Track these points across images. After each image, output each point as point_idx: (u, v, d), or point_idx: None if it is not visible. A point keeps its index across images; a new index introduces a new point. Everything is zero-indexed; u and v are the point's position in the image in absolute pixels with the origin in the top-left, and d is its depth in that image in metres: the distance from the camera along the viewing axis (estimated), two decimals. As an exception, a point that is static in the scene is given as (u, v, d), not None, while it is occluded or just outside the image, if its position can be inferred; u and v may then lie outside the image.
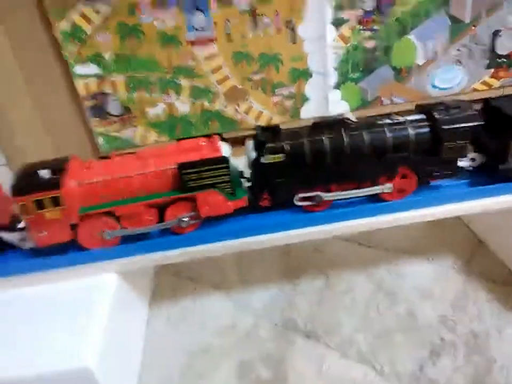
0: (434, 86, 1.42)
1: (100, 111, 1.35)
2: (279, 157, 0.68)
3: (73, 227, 0.67)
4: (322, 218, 0.72)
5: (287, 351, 0.72)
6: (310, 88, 1.39)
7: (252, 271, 0.89)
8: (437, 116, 0.70)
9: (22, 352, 0.58)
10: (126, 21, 1.24)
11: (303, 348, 0.72)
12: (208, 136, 0.72)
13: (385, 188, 0.72)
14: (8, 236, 0.72)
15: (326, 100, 1.40)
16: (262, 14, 1.27)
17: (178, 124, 1.41)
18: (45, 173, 0.65)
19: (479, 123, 0.70)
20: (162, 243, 0.70)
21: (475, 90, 1.43)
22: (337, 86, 1.39)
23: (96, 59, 1.28)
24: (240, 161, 0.72)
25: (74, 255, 0.69)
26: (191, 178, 0.66)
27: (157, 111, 1.38)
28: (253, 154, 0.69)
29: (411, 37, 1.34)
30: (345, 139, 0.69)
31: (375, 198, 0.74)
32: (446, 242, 0.89)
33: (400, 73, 1.39)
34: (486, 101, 0.78)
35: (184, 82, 1.35)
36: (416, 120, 0.72)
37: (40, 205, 0.64)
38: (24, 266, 0.68)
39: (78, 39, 1.24)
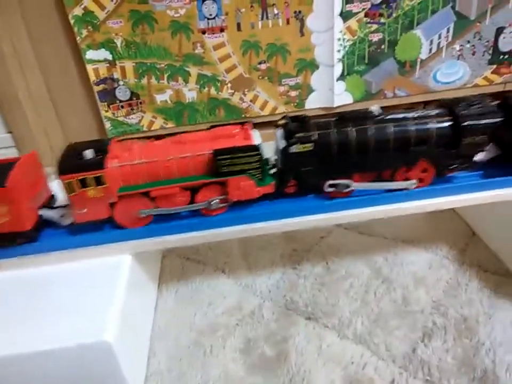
0: (436, 80, 1.45)
1: (108, 95, 1.38)
2: (308, 147, 0.72)
3: (111, 205, 0.71)
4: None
5: (289, 331, 0.76)
6: (315, 79, 1.42)
7: (257, 255, 0.93)
8: (458, 111, 0.73)
9: (43, 326, 0.61)
10: (139, 8, 1.26)
11: (304, 329, 0.76)
12: (241, 124, 0.75)
13: (409, 184, 0.75)
14: (49, 214, 0.75)
15: (332, 91, 1.43)
16: (272, 5, 1.29)
17: (185, 110, 1.44)
18: (89, 153, 0.68)
19: (499, 119, 0.72)
20: (175, 226, 0.74)
21: (476, 85, 1.46)
22: (342, 78, 1.42)
23: (108, 45, 1.30)
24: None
25: (94, 236, 0.73)
26: (225, 164, 0.70)
27: (164, 97, 1.41)
28: (283, 143, 0.72)
29: (417, 31, 1.36)
30: (370, 131, 0.72)
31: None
32: (442, 233, 0.93)
33: (404, 67, 1.42)
34: (505, 98, 0.79)
35: (192, 70, 1.37)
36: (438, 115, 0.75)
37: (84, 183, 0.68)
38: (48, 245, 0.72)
39: (90, 24, 1.26)
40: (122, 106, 1.40)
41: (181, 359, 0.73)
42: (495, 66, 1.42)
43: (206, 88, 1.41)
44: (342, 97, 1.45)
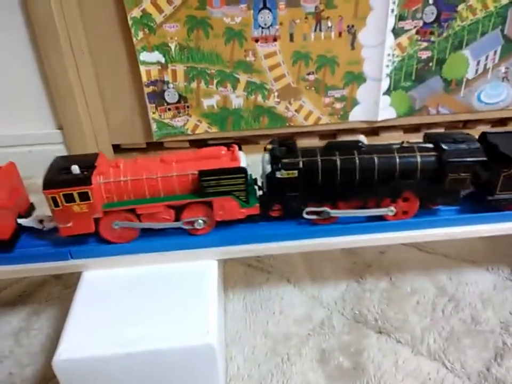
0: (480, 100, 1.47)
1: (157, 97, 1.39)
2: (293, 173, 0.72)
3: (97, 220, 0.71)
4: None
5: (362, 343, 0.78)
6: (361, 92, 1.44)
7: (319, 267, 0.95)
8: (444, 147, 0.74)
9: (145, 326, 0.62)
10: (196, 13, 1.28)
11: (377, 342, 0.78)
12: (228, 145, 0.76)
13: (389, 210, 0.75)
14: (27, 222, 0.76)
15: (376, 105, 1.45)
16: (327, 18, 1.32)
17: (230, 116, 1.46)
18: (75, 169, 0.69)
19: (482, 158, 0.73)
20: (264, 236, 0.75)
21: (518, 107, 1.49)
22: (387, 93, 1.44)
23: (162, 48, 1.32)
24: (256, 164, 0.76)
25: (185, 240, 0.74)
26: (210, 184, 0.71)
27: (211, 102, 1.43)
28: (268, 168, 0.73)
29: (465, 51, 1.39)
30: (356, 161, 0.73)
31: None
32: (502, 255, 0.95)
33: (450, 85, 1.44)
34: (483, 135, 0.81)
35: (242, 76, 1.39)
36: (424, 149, 0.75)
37: (69, 198, 0.68)
38: (138, 247, 0.74)
39: (147, 27, 1.28)
40: (169, 109, 1.42)
41: (260, 365, 0.75)
42: (538, 90, 1.45)
43: (253, 96, 1.42)
44: (386, 111, 1.47)
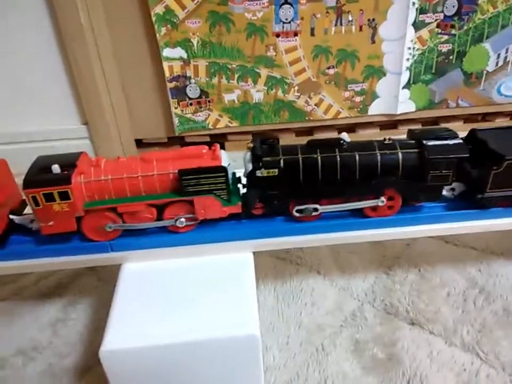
0: (500, 93, 1.47)
1: (179, 93, 1.40)
2: (274, 172, 0.73)
3: (79, 219, 0.73)
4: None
5: (395, 335, 0.79)
6: (381, 86, 1.45)
7: (347, 259, 0.96)
8: (425, 143, 0.73)
9: (188, 317, 0.64)
10: (218, 9, 1.28)
11: (410, 334, 0.79)
12: (209, 144, 0.77)
13: (379, 201, 0.75)
14: (19, 219, 0.78)
15: (396, 99, 1.46)
16: (347, 12, 1.32)
17: (251, 111, 1.47)
18: (55, 168, 0.70)
19: (465, 155, 0.73)
20: (291, 229, 0.77)
21: (538, 100, 1.48)
22: (407, 86, 1.44)
23: (184, 44, 1.33)
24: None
25: (223, 233, 0.76)
26: (190, 183, 0.71)
27: (232, 97, 1.44)
28: (250, 166, 0.73)
29: (486, 44, 1.39)
30: (337, 159, 0.73)
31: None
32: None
33: (470, 78, 1.44)
34: (472, 131, 0.80)
35: (262, 71, 1.40)
36: (406, 146, 0.75)
37: (49, 197, 0.69)
38: (177, 240, 0.76)
39: (170, 23, 1.29)
40: (191, 104, 1.43)
41: (295, 355, 0.76)
42: (558, 82, 1.44)
43: (274, 90, 1.43)
44: (405, 105, 1.47)
